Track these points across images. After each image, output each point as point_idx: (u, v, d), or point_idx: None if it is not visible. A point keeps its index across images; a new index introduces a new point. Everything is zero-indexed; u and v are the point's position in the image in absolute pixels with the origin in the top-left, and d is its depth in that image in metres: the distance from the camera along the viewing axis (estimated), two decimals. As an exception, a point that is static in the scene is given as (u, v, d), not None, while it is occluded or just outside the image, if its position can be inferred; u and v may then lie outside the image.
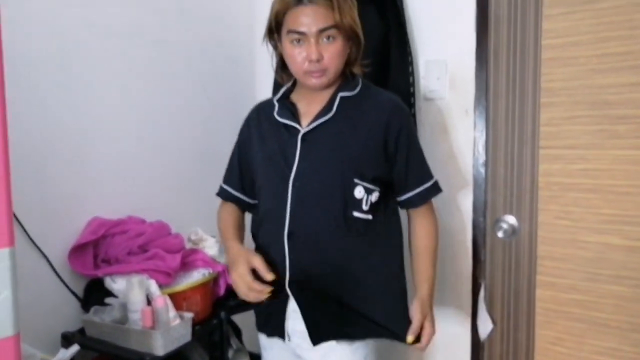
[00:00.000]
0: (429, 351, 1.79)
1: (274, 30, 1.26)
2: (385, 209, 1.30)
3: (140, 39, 1.68)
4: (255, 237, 1.38)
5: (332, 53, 1.20)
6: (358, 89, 1.29)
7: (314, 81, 1.23)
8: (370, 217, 1.25)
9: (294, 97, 1.34)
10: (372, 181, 1.24)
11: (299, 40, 1.19)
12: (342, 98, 1.26)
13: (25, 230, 1.37)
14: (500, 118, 1.61)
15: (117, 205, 1.60)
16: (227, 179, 1.46)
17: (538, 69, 1.53)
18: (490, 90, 1.62)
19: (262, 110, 1.38)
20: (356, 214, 1.23)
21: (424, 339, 1.25)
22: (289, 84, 1.36)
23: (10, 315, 0.87)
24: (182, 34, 1.81)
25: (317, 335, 1.25)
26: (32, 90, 1.39)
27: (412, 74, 1.63)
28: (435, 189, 1.35)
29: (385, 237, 1.30)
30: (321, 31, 1.17)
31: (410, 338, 1.24)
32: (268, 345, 1.40)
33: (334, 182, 1.22)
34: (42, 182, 1.42)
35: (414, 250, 1.34)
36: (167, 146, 1.78)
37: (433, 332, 1.27)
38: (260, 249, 1.33)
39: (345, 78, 1.30)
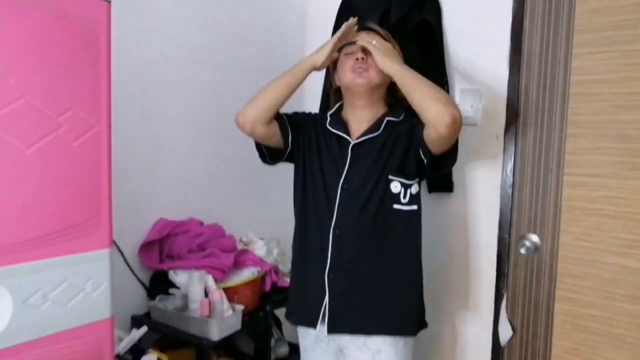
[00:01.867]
0: (455, 352, 1.95)
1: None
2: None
3: (205, 63, 1.91)
4: (300, 237, 1.51)
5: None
6: (402, 117, 1.49)
7: (358, 79, 1.41)
8: (415, 207, 1.42)
9: (344, 115, 1.52)
10: (406, 175, 1.41)
11: (351, 53, 1.43)
12: (388, 121, 1.46)
13: (106, 228, 1.60)
14: (528, 145, 1.74)
15: (180, 209, 1.83)
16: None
17: (566, 103, 1.64)
18: (520, 119, 1.74)
19: (317, 120, 1.55)
20: (397, 206, 1.40)
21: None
22: (338, 104, 1.56)
23: (109, 302, 1.08)
24: (241, 59, 2.04)
25: (332, 327, 1.41)
26: (114, 109, 1.61)
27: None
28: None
29: (419, 225, 1.46)
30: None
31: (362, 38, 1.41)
32: (309, 344, 1.53)
33: (374, 183, 1.40)
34: (119, 188, 1.65)
35: None
36: (225, 158, 2.00)
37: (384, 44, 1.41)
38: (305, 248, 1.49)
39: (390, 105, 1.51)
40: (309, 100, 2.12)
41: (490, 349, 1.86)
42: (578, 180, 1.65)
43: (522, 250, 1.74)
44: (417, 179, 1.43)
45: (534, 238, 1.74)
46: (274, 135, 1.47)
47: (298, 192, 1.52)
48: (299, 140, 1.51)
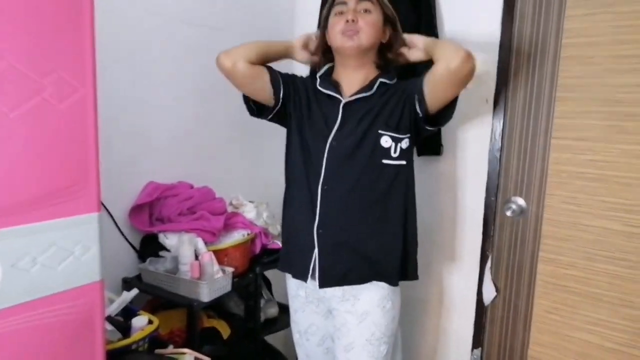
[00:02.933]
0: (441, 310, 2.01)
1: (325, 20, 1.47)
2: (412, 154, 1.47)
3: (194, 24, 1.86)
4: (290, 194, 1.52)
5: (367, 21, 1.40)
6: (395, 80, 1.48)
7: (348, 42, 1.39)
8: (403, 162, 1.41)
9: (335, 77, 1.51)
10: (397, 129, 1.40)
11: (341, 13, 1.41)
12: (381, 82, 1.45)
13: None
14: (517, 109, 1.74)
15: (170, 172, 1.82)
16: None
17: (557, 66, 1.64)
18: (510, 83, 1.74)
19: (304, 83, 1.53)
20: (386, 161, 1.40)
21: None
22: (329, 64, 1.53)
23: (98, 265, 1.09)
24: (229, 21, 1.99)
25: (323, 281, 1.42)
26: (99, 70, 1.58)
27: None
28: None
29: (411, 180, 1.47)
30: (360, 1, 1.40)
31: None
32: (299, 305, 1.56)
33: (363, 137, 1.39)
34: (107, 150, 1.62)
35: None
36: (215, 121, 1.98)
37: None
38: (293, 202, 1.50)
39: (382, 67, 1.49)
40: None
41: (474, 309, 1.91)
42: (565, 144, 1.66)
43: (508, 213, 1.77)
44: (408, 135, 1.42)
45: (520, 201, 1.77)
46: (258, 79, 1.45)
47: (289, 150, 1.52)
48: (291, 100, 1.50)
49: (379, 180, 1.41)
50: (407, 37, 1.49)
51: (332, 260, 1.43)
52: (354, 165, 1.40)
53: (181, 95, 1.86)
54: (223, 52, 1.44)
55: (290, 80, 1.52)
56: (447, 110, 1.40)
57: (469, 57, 1.28)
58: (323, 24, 1.49)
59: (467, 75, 1.31)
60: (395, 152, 1.40)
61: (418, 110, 1.39)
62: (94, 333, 1.10)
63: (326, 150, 1.41)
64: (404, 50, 1.50)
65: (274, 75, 1.48)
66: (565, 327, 1.73)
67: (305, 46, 1.56)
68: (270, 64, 1.51)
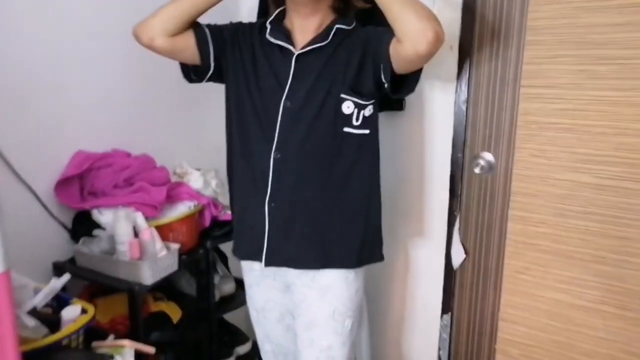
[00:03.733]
0: (407, 277, 1.91)
1: None
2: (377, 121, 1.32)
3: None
4: (235, 162, 1.36)
5: None
6: (353, 25, 1.30)
7: None
8: (367, 131, 1.27)
9: (287, 24, 1.32)
10: (360, 94, 1.24)
11: None
12: (337, 29, 1.27)
13: (9, 165, 1.38)
14: (484, 55, 1.60)
15: (102, 139, 1.61)
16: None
17: (525, 6, 1.50)
18: (476, 27, 1.60)
19: (250, 31, 1.34)
20: (347, 129, 1.25)
21: None
22: (280, 8, 1.34)
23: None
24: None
25: (270, 259, 1.30)
26: (4, 17, 1.34)
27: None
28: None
29: (376, 153, 1.33)
30: None
31: None
32: (254, 279, 1.42)
33: (322, 101, 1.23)
34: (24, 115, 1.42)
35: None
36: (151, 78, 1.75)
37: None
38: (242, 173, 1.33)
39: (339, 11, 1.31)
40: (245, 7, 1.89)
41: (442, 273, 1.82)
42: (534, 93, 1.55)
43: (476, 170, 1.66)
44: (372, 100, 1.27)
45: (489, 156, 1.65)
46: (183, 50, 1.28)
47: (231, 113, 1.34)
48: (227, 57, 1.32)
49: (340, 152, 1.26)
50: None
51: (282, 238, 1.29)
52: (311, 131, 1.24)
53: (109, 48, 1.62)
54: (138, 24, 1.25)
55: (226, 33, 1.33)
56: (412, 76, 1.24)
57: (437, 39, 1.07)
58: None
59: (436, 51, 1.12)
60: (357, 119, 1.25)
61: (383, 79, 1.22)
62: (2, 333, 0.92)
63: (280, 112, 1.25)
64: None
65: (201, 36, 1.29)
66: (536, 287, 1.66)
67: None
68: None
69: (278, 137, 1.25)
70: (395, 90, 1.25)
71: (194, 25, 1.29)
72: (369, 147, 1.29)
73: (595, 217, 1.53)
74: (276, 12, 1.34)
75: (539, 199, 1.60)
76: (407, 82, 1.24)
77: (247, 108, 1.30)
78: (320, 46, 1.26)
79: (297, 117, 1.25)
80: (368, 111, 1.26)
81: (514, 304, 1.71)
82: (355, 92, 1.24)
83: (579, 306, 1.60)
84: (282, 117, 1.25)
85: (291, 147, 1.25)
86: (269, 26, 1.31)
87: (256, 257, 1.33)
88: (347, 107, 1.24)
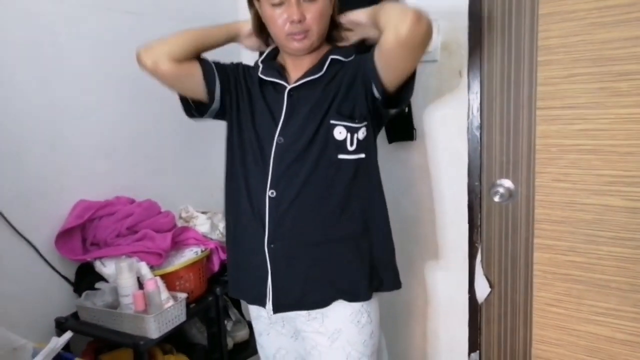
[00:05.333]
0: (429, 313, 1.80)
1: None
2: (375, 145, 1.25)
3: (115, 10, 1.59)
4: (231, 204, 1.28)
5: (315, 13, 1.14)
6: (352, 57, 1.23)
7: (296, 45, 1.17)
8: (362, 155, 1.19)
9: (280, 60, 1.28)
10: (351, 117, 1.17)
11: (280, 4, 1.13)
12: (332, 60, 1.21)
13: (8, 221, 1.33)
14: (495, 79, 1.54)
15: (104, 187, 1.56)
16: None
17: (535, 26, 1.44)
18: (484, 50, 1.54)
19: (248, 71, 1.30)
20: (342, 156, 1.18)
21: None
22: (272, 46, 1.29)
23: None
24: (159, 5, 1.72)
25: (277, 305, 1.21)
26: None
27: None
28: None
29: (375, 177, 1.25)
30: None
31: None
32: (263, 327, 1.34)
33: (313, 131, 1.17)
34: (20, 169, 1.38)
35: None
36: (151, 122, 1.72)
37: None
38: (238, 214, 1.25)
39: (334, 43, 1.25)
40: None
41: (467, 307, 1.71)
42: (552, 114, 1.47)
43: (496, 198, 1.57)
44: (365, 122, 1.19)
45: (507, 183, 1.57)
46: (188, 78, 1.22)
47: (233, 151, 1.27)
48: (231, 94, 1.27)
49: (336, 180, 1.18)
50: (346, 18, 1.24)
51: (287, 281, 1.20)
52: (304, 164, 1.17)
53: (107, 95, 1.59)
54: (143, 47, 1.20)
55: (230, 71, 1.29)
56: (406, 87, 1.16)
57: (419, 18, 1.01)
58: (257, 12, 1.22)
59: (422, 41, 1.05)
60: (352, 144, 1.17)
61: (376, 93, 1.16)
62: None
63: (272, 150, 1.19)
64: (348, 34, 1.26)
65: (207, 68, 1.24)
66: (570, 321, 1.54)
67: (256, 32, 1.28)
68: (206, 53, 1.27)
69: (272, 175, 1.18)
70: (391, 103, 1.18)
71: (199, 58, 1.25)
72: (366, 171, 1.21)
73: (630, 243, 1.43)
74: (268, 49, 1.30)
75: (566, 225, 1.50)
76: (401, 93, 1.16)
77: (247, 146, 1.24)
78: (314, 79, 1.20)
79: (289, 151, 1.18)
80: (362, 134, 1.18)
81: (547, 339, 1.59)
82: (345, 115, 1.17)
83: (620, 340, 1.48)
84: (275, 153, 1.18)
85: (285, 184, 1.18)
86: (261, 65, 1.27)
87: (261, 302, 1.24)
88: (339, 133, 1.17)
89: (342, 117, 1.17)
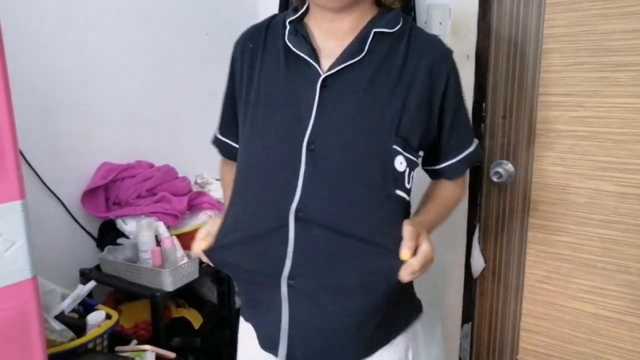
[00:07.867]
0: (425, 287, 1.89)
1: None
2: None
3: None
4: (238, 219, 0.95)
5: None
6: (399, 26, 0.92)
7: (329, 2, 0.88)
8: (408, 198, 0.94)
9: (307, 22, 0.96)
10: (415, 150, 0.92)
11: None
12: (376, 34, 0.90)
13: (39, 177, 1.44)
14: (501, 64, 1.60)
15: (126, 150, 1.66)
16: (221, 128, 1.12)
17: (542, 14, 1.49)
18: (492, 36, 1.59)
19: (272, 29, 0.97)
20: (399, 192, 0.90)
21: (419, 255, 0.85)
22: (305, 6, 0.96)
23: (27, 261, 0.95)
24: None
25: (293, 357, 0.94)
26: (33, 36, 1.41)
27: (414, 19, 1.61)
28: (478, 153, 1.05)
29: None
30: None
31: (405, 254, 0.84)
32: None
33: (367, 149, 0.88)
34: (51, 129, 1.48)
35: (429, 196, 1.07)
36: (172, 91, 1.81)
37: (430, 250, 0.87)
38: (250, 237, 0.92)
39: (378, 9, 0.95)
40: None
41: (462, 281, 1.81)
42: (553, 101, 1.53)
43: (495, 179, 1.65)
44: (421, 156, 0.98)
45: (508, 165, 1.64)
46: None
47: (240, 152, 0.99)
48: (242, 99, 0.99)
49: (385, 221, 0.89)
50: None
51: (308, 329, 0.92)
52: (350, 191, 0.87)
53: (134, 64, 1.68)
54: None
55: (231, 90, 1.03)
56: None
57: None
58: None
59: None
60: (409, 181, 0.92)
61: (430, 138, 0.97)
62: (30, 337, 0.97)
63: (303, 159, 0.88)
64: None
65: (230, 150, 1.10)
66: (558, 297, 1.63)
67: None
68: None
69: (302, 192, 0.87)
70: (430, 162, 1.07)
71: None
72: (406, 213, 0.97)
73: (618, 226, 1.50)
74: (303, 8, 0.96)
75: (559, 207, 1.58)
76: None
77: (260, 148, 0.94)
78: (354, 63, 0.89)
79: (330, 167, 0.88)
80: (415, 172, 0.94)
81: (535, 314, 1.69)
82: (408, 143, 0.90)
83: (603, 317, 1.57)
84: (306, 164, 0.87)
85: (322, 209, 0.88)
86: (288, 26, 0.95)
87: (272, 350, 0.96)
88: (400, 164, 0.89)
89: (406, 146, 0.90)
